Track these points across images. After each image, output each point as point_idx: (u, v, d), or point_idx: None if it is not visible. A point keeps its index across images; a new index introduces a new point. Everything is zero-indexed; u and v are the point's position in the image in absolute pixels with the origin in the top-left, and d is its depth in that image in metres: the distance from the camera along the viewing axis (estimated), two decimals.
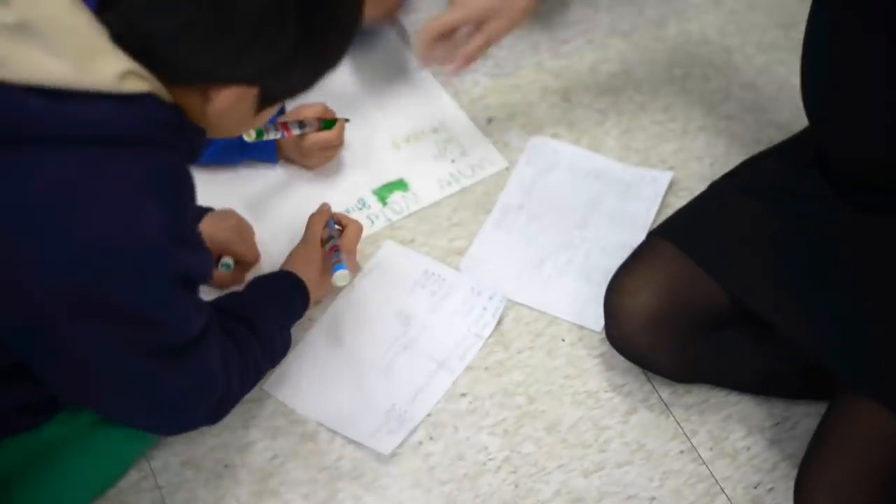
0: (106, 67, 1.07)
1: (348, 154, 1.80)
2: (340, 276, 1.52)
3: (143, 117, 1.10)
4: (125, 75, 1.08)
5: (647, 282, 1.50)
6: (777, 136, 1.83)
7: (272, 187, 1.75)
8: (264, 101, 1.20)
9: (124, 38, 1.09)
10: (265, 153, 1.75)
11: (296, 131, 1.66)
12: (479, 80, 1.93)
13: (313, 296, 1.55)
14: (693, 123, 1.88)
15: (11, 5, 1.07)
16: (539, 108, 1.89)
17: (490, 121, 1.87)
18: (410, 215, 1.74)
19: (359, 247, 1.64)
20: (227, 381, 1.31)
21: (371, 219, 1.73)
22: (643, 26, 2.03)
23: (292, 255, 1.58)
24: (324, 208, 1.62)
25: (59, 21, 1.08)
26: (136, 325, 1.15)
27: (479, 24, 1.60)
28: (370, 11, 1.56)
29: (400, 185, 1.78)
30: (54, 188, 1.07)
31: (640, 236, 1.69)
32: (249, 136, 1.59)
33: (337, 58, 1.21)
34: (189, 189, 1.18)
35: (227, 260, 1.61)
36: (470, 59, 1.62)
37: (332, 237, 1.58)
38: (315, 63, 1.19)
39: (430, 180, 1.79)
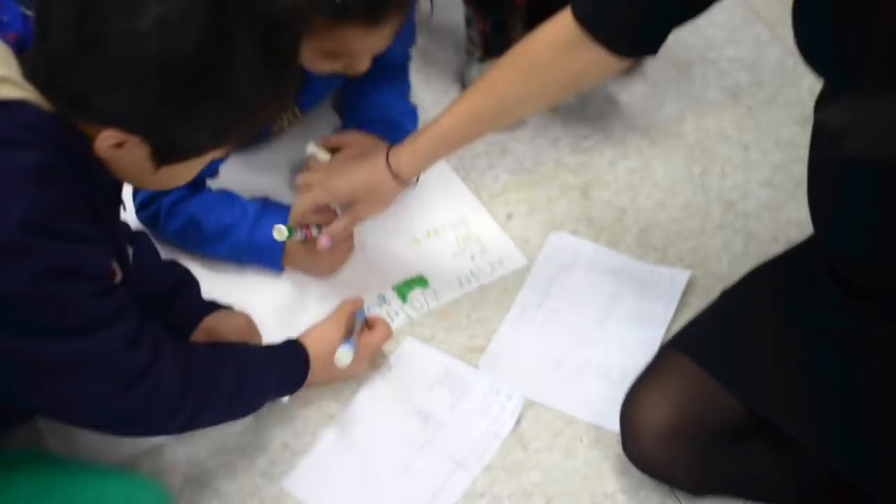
0: None
1: (369, 249, 1.82)
2: (343, 354, 1.55)
3: (10, 122, 1.16)
4: None
5: (663, 396, 1.51)
6: (794, 234, 1.84)
7: (290, 285, 1.77)
8: (160, 157, 1.24)
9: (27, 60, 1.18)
10: (269, 259, 1.76)
11: (315, 231, 1.69)
12: (500, 175, 1.95)
13: (316, 375, 1.58)
14: (711, 221, 1.90)
15: None
16: (558, 204, 1.91)
17: (510, 217, 1.89)
18: (430, 312, 1.76)
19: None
20: (183, 391, 1.34)
21: (391, 315, 1.75)
22: (661, 123, 2.06)
23: (309, 330, 1.61)
24: (357, 298, 1.66)
25: None
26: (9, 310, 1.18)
27: (345, 205, 1.68)
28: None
29: (420, 281, 1.80)
30: None
31: (659, 335, 1.71)
32: (280, 235, 1.62)
33: (235, 129, 1.25)
34: (65, 187, 1.19)
35: None
36: (336, 238, 1.69)
37: (353, 328, 1.60)
38: (197, 125, 1.22)
39: (450, 277, 1.80)
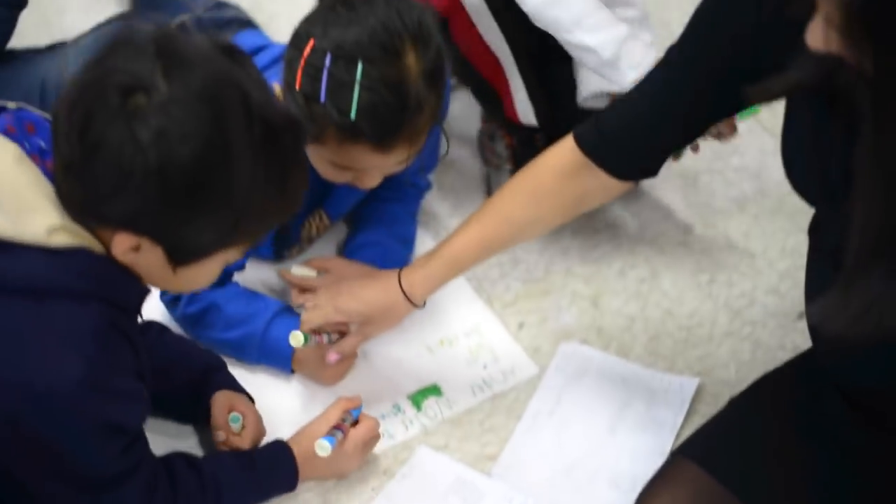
0: (37, 222, 1.23)
1: (384, 359, 1.86)
2: (321, 446, 1.58)
3: (70, 271, 1.24)
4: (54, 230, 1.23)
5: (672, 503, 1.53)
6: (801, 342, 1.88)
7: (301, 388, 1.81)
8: (175, 258, 1.30)
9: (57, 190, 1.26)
10: (280, 359, 1.80)
11: (325, 339, 1.74)
12: (511, 285, 2.00)
13: (306, 473, 1.63)
14: (718, 329, 1.94)
15: None
16: (569, 314, 1.96)
17: (521, 326, 1.94)
18: (444, 421, 1.80)
19: (393, 452, 1.70)
20: None
21: (405, 424, 1.78)
22: (669, 232, 2.11)
23: (300, 429, 1.66)
24: (355, 397, 1.70)
25: (1, 178, 1.23)
26: (53, 455, 1.29)
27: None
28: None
29: (434, 390, 1.84)
30: None
31: (668, 443, 1.74)
32: (297, 341, 1.67)
33: (240, 230, 1.30)
34: (118, 343, 1.30)
35: (236, 413, 1.66)
36: (344, 356, 1.74)
37: (344, 420, 1.65)
38: (201, 227, 1.27)
39: (463, 386, 1.84)
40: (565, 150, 1.59)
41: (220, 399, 1.66)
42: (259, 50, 1.94)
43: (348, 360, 1.81)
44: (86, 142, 1.20)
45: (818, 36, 1.11)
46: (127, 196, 1.21)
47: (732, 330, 1.94)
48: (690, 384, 1.84)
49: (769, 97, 1.34)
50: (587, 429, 1.78)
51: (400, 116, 1.61)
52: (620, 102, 1.59)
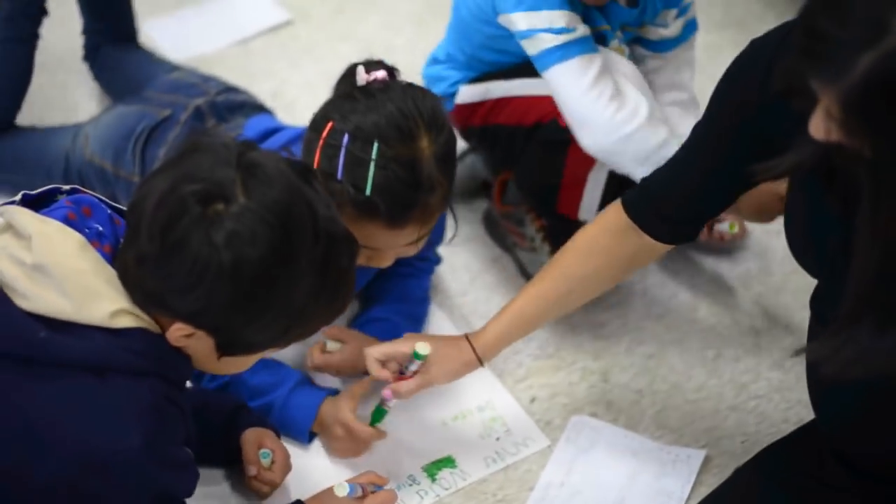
0: (100, 306, 1.33)
1: (400, 431, 1.92)
2: (340, 486, 1.65)
3: (130, 350, 1.34)
4: (117, 314, 1.33)
5: None
6: (805, 414, 1.93)
7: (321, 458, 1.87)
8: (223, 350, 1.40)
9: (121, 271, 1.35)
10: (298, 427, 1.86)
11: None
12: (523, 361, 2.06)
13: None
14: (724, 403, 2.00)
15: (32, 248, 1.33)
16: (579, 388, 2.02)
17: (533, 400, 1.99)
18: (458, 491, 1.85)
19: None
20: None
21: (420, 495, 1.84)
22: (676, 309, 2.17)
23: (319, 492, 1.72)
24: (383, 478, 1.77)
25: (66, 265, 1.33)
26: None
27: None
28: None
29: (448, 462, 1.89)
30: (52, 404, 1.33)
31: None
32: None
33: (289, 334, 1.41)
34: (172, 415, 1.40)
35: (266, 450, 1.74)
36: (402, 397, 1.78)
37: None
38: (258, 328, 1.38)
39: (476, 457, 1.90)
40: (616, 212, 1.70)
41: (250, 436, 1.75)
42: (272, 132, 2.03)
43: (369, 440, 1.84)
44: (166, 241, 1.30)
45: (820, 127, 1.19)
46: (196, 294, 1.32)
47: (738, 404, 2.00)
48: (697, 456, 1.89)
49: (773, 176, 1.42)
50: (597, 499, 1.83)
51: (413, 194, 1.69)
52: (660, 171, 1.69)
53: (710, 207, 1.65)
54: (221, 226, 1.29)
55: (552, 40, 1.89)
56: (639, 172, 1.88)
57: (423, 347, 1.73)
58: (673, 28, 2.01)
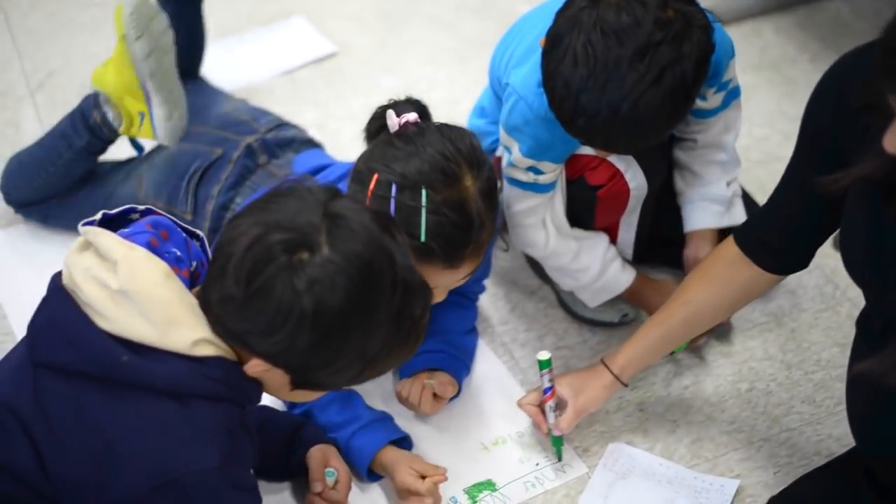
0: (183, 335, 1.39)
1: (441, 453, 1.98)
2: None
3: (209, 377, 1.40)
4: (197, 342, 1.39)
5: None
6: (835, 447, 1.99)
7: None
8: (298, 384, 1.47)
9: (202, 304, 1.41)
10: (356, 469, 1.89)
11: None
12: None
13: None
14: (757, 434, 2.05)
15: (118, 273, 1.39)
16: (616, 417, 2.08)
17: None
18: None
19: None
20: None
21: None
22: (711, 343, 2.22)
23: None
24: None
25: (152, 294, 1.39)
26: None
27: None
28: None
29: (489, 485, 1.95)
30: (132, 424, 1.39)
31: None
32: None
33: (362, 377, 1.47)
34: (243, 440, 1.48)
35: (331, 468, 1.81)
36: (566, 430, 1.93)
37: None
38: (333, 371, 1.44)
39: (516, 482, 1.96)
40: (730, 243, 1.83)
41: (316, 454, 1.82)
42: (322, 168, 2.09)
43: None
44: (251, 285, 1.36)
45: (894, 142, 1.27)
46: (277, 339, 1.38)
47: (770, 436, 2.05)
48: (731, 485, 1.94)
49: (838, 188, 1.50)
50: None
51: (466, 234, 1.75)
52: (766, 204, 1.79)
53: (811, 235, 1.74)
54: (304, 273, 1.35)
55: (525, 176, 1.99)
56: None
57: (541, 355, 1.88)
58: (712, 101, 2.04)
